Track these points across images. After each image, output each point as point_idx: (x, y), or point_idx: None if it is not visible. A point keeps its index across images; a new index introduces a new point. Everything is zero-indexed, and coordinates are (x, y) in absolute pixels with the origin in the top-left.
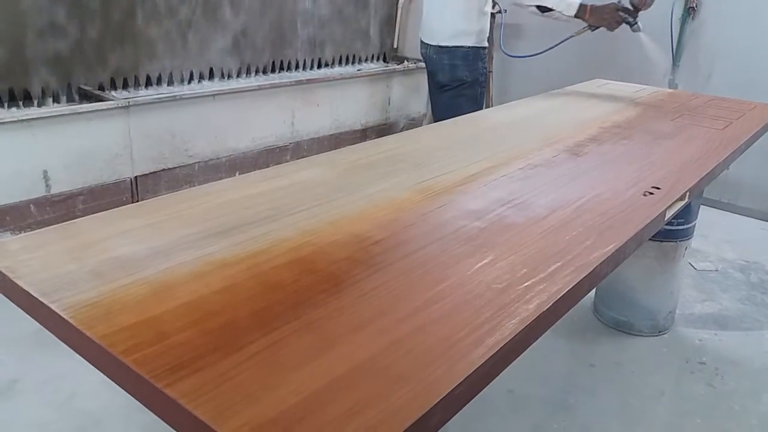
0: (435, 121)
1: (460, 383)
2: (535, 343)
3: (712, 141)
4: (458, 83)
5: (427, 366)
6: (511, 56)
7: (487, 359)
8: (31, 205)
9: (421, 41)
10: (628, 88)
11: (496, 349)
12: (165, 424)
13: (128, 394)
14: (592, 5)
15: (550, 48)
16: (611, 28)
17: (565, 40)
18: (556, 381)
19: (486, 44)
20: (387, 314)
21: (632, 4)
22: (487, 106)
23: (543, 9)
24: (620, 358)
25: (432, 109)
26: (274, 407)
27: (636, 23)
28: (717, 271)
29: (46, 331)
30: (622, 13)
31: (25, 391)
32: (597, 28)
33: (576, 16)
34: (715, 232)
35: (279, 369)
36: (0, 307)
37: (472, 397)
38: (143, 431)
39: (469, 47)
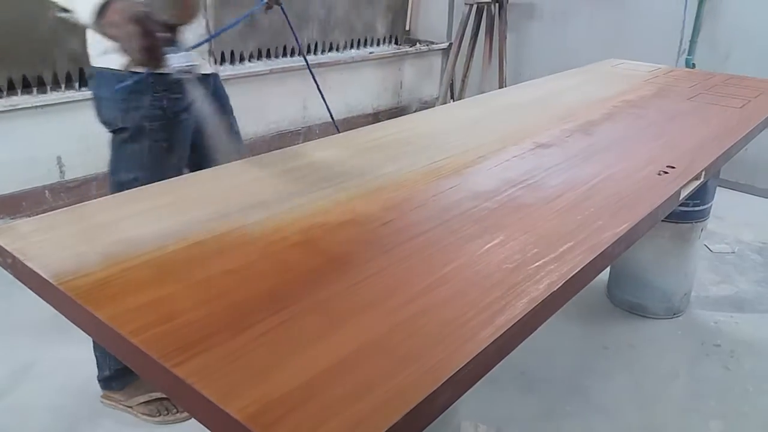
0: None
1: (468, 363)
2: (548, 326)
3: (729, 120)
4: (110, 128)
5: (434, 346)
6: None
7: (496, 339)
8: (46, 191)
9: None
10: (643, 67)
11: (505, 329)
12: None
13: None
14: (116, 6)
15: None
16: (140, 61)
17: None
18: (569, 364)
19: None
20: (395, 295)
21: (162, 21)
22: (501, 87)
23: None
24: (634, 340)
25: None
26: (281, 386)
27: (174, 51)
28: (734, 253)
29: (61, 315)
30: (140, 31)
31: (41, 375)
32: (129, 56)
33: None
34: (732, 214)
35: (287, 349)
36: (16, 291)
37: (481, 377)
38: None
39: (116, 70)
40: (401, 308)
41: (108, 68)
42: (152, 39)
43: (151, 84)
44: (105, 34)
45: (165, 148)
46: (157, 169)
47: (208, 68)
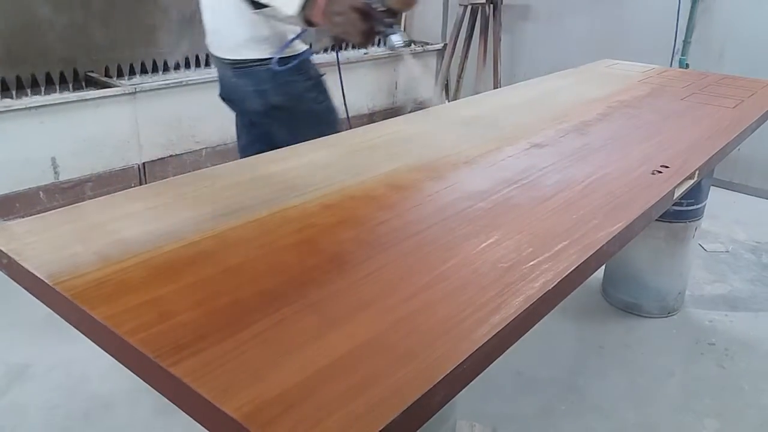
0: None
1: (464, 361)
2: (544, 326)
3: (722, 119)
4: (276, 111)
5: (430, 344)
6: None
7: (492, 337)
8: (41, 192)
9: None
10: (637, 67)
11: (501, 328)
12: (174, 407)
13: (137, 377)
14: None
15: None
16: (356, 40)
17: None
18: (564, 363)
19: (298, 49)
20: (391, 294)
21: (387, 7)
22: (495, 87)
23: (257, 5)
24: (629, 339)
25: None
26: (278, 385)
27: (393, 32)
28: (728, 252)
29: (57, 315)
30: (360, 17)
31: (36, 374)
32: (342, 40)
33: (305, 17)
34: (725, 213)
35: (283, 348)
36: (11, 292)
37: (477, 375)
38: (153, 414)
39: (269, 59)
40: (397, 307)
41: (257, 60)
42: (371, 24)
43: (300, 63)
44: (311, 23)
45: (325, 108)
46: (326, 131)
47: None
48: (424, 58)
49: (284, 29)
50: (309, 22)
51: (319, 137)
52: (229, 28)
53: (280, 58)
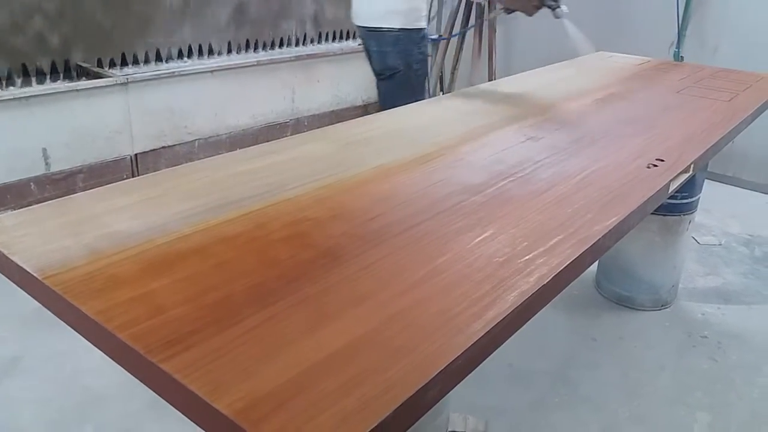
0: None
1: (459, 356)
2: (536, 318)
3: (717, 113)
4: (391, 71)
5: (425, 339)
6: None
7: (486, 332)
8: (32, 184)
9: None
10: (632, 60)
11: (495, 322)
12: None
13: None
14: None
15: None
16: (529, 13)
17: (469, 28)
18: (557, 355)
19: (422, 25)
20: (385, 288)
21: None
22: (490, 79)
23: None
24: (622, 332)
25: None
26: (270, 381)
27: (558, 7)
28: (721, 245)
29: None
30: None
31: (27, 368)
32: (512, 11)
33: None
34: (719, 206)
35: (276, 343)
36: (1, 285)
37: (471, 370)
38: (145, 407)
39: (398, 30)
40: (391, 302)
41: (388, 28)
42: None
43: (415, 39)
44: (503, 3)
45: (423, 78)
46: (419, 96)
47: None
48: None
49: (417, 6)
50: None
51: (408, 102)
52: (374, 2)
53: (417, 29)
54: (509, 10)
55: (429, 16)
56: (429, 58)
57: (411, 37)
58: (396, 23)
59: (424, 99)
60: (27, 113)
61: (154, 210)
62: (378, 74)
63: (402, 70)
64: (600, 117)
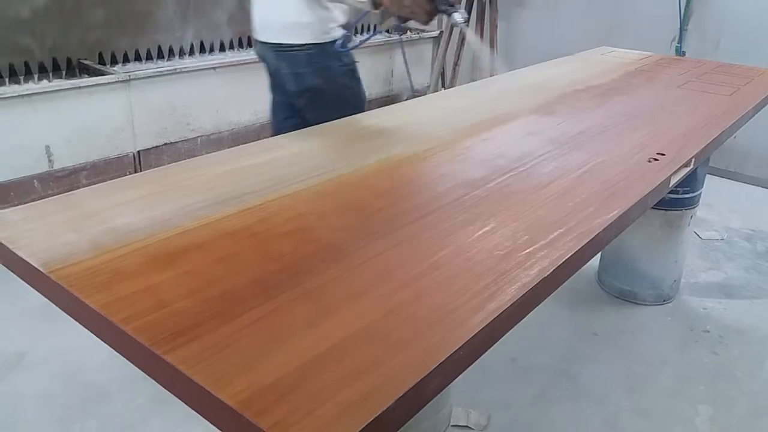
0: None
1: (459, 349)
2: (538, 313)
3: (719, 107)
4: (312, 92)
5: (425, 332)
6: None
7: (487, 324)
8: (35, 181)
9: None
10: (633, 54)
11: (496, 315)
12: (170, 395)
13: (134, 366)
14: None
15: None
16: (422, 20)
17: (372, 35)
18: (559, 350)
19: (335, 36)
20: (386, 282)
21: None
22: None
23: None
24: (624, 326)
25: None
26: (272, 373)
27: (455, 12)
28: (722, 240)
29: (53, 304)
30: (428, 0)
31: (32, 364)
32: (406, 20)
33: (374, 4)
34: (721, 201)
35: (278, 336)
36: (6, 281)
37: (472, 363)
38: (149, 402)
39: (310, 45)
40: (392, 295)
41: (300, 45)
42: (435, 3)
43: (332, 48)
44: (378, 5)
45: (353, 93)
46: (349, 110)
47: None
48: (420, 46)
49: (327, 16)
50: (376, 4)
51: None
52: (275, 15)
53: (332, 42)
54: (402, 19)
55: (349, 19)
56: (357, 64)
57: (326, 51)
58: (305, 38)
59: (363, 111)
60: (30, 110)
61: (157, 205)
62: (295, 95)
63: (325, 88)
64: (601, 111)
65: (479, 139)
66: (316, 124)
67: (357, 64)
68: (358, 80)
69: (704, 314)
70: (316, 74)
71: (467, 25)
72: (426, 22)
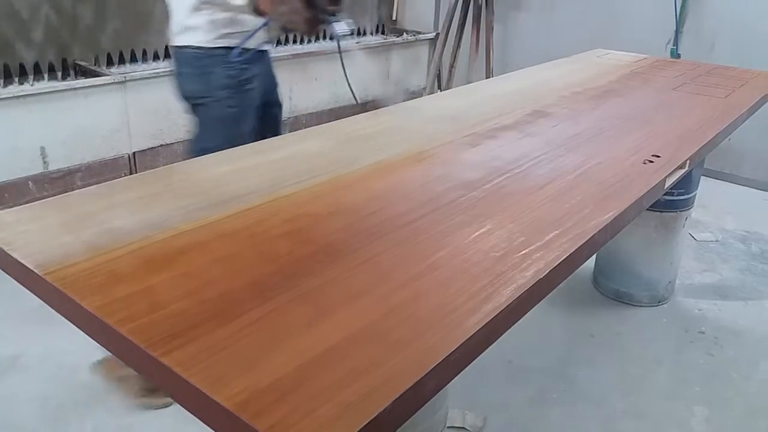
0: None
1: (456, 350)
2: (534, 314)
3: (713, 109)
4: (192, 100)
5: (423, 333)
6: None
7: (483, 326)
8: (30, 182)
9: None
10: (628, 57)
11: (493, 316)
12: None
13: None
14: None
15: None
16: (304, 30)
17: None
18: (555, 352)
19: (230, 43)
20: (383, 283)
21: None
22: (488, 77)
23: None
24: (620, 328)
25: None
26: (270, 374)
27: (336, 20)
28: (717, 241)
29: (48, 306)
30: (304, 5)
31: (27, 366)
32: (289, 30)
33: (254, 6)
34: (715, 203)
35: (275, 337)
36: (1, 283)
37: (469, 364)
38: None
39: (196, 48)
40: (389, 296)
41: (185, 45)
42: (315, 12)
43: (222, 56)
44: (260, 12)
45: (236, 114)
46: (232, 136)
47: (268, 45)
48: (416, 48)
49: (219, 20)
50: (258, 11)
51: (220, 144)
52: (173, 18)
53: (223, 48)
54: (285, 29)
55: (261, 28)
56: (251, 87)
57: (214, 58)
58: (193, 40)
59: (244, 142)
60: (25, 112)
61: (153, 207)
62: (182, 101)
63: (205, 98)
64: (597, 113)
65: (475, 141)
66: (194, 143)
67: (253, 83)
68: (248, 105)
69: (699, 315)
70: (197, 79)
71: (351, 38)
72: (307, 32)
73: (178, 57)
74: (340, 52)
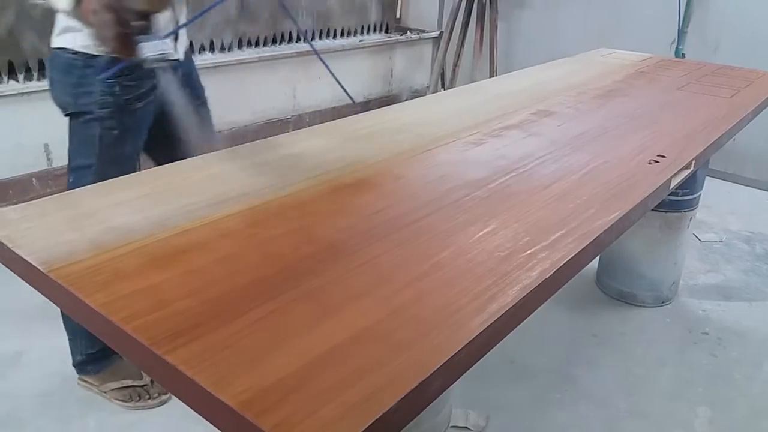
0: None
1: (461, 350)
2: (537, 314)
3: (718, 109)
4: (63, 111)
5: (427, 333)
6: None
7: (488, 326)
8: (33, 179)
9: None
10: (633, 56)
11: (497, 316)
12: (169, 394)
13: None
14: None
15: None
16: (110, 47)
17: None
18: (558, 352)
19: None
20: (387, 283)
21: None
22: (492, 75)
23: None
24: (623, 328)
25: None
26: (274, 373)
27: (147, 40)
28: (721, 242)
29: (52, 303)
30: (115, 19)
31: (30, 362)
32: (105, 47)
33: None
34: (720, 203)
35: (279, 336)
36: (5, 280)
37: (473, 364)
38: None
39: (73, 53)
40: (393, 296)
41: (63, 48)
42: (125, 27)
43: (104, 68)
44: (83, 21)
45: (116, 135)
46: (110, 157)
47: (175, 55)
48: (420, 46)
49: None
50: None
51: (96, 163)
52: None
53: (101, 57)
54: (100, 45)
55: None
56: (139, 107)
57: (89, 66)
58: (70, 43)
59: (126, 163)
60: (29, 109)
61: (157, 205)
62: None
63: (81, 114)
64: (602, 113)
65: (479, 140)
66: (72, 160)
67: (143, 100)
68: (134, 126)
69: (703, 316)
70: (70, 90)
71: (164, 63)
72: (117, 52)
73: (53, 60)
74: (317, 54)
